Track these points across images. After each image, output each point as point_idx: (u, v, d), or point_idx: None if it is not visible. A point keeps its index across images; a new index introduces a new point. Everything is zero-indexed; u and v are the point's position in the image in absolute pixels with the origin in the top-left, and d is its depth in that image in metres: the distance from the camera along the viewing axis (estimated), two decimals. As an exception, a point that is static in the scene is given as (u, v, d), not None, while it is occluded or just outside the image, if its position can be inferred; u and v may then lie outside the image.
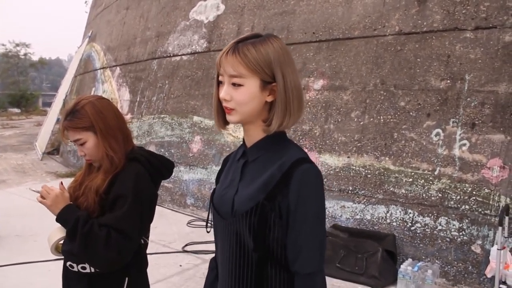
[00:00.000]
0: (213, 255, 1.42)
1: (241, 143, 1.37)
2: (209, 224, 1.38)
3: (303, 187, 1.16)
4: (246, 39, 1.20)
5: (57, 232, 1.71)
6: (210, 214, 1.35)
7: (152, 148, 6.86)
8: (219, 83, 1.23)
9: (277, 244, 1.19)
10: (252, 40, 1.19)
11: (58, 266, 1.79)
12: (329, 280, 3.95)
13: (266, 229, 1.18)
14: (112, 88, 9.47)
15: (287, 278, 1.21)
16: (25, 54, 45.31)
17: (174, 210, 6.32)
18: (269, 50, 1.18)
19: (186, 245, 4.74)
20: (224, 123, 1.28)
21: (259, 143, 1.26)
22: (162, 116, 7.28)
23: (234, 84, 1.18)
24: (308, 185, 1.17)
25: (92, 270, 1.68)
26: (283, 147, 1.25)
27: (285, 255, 1.20)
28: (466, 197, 3.84)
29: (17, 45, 44.22)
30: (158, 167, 1.80)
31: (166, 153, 6.73)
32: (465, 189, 3.86)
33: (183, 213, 6.16)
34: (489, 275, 3.49)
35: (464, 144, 3.95)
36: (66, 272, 1.77)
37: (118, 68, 9.45)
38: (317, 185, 1.19)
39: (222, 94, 1.19)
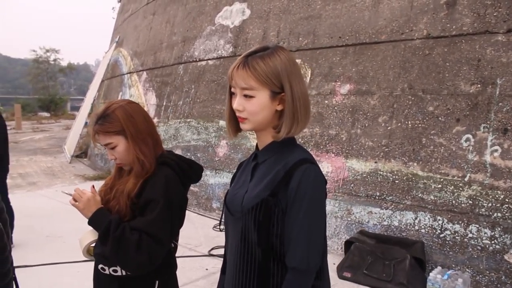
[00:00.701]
0: None
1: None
2: (222, 224, 1.49)
3: (301, 184, 1.24)
4: (255, 52, 1.29)
5: (89, 235, 1.73)
6: (223, 213, 1.45)
7: (178, 152, 6.91)
8: (232, 93, 1.33)
9: (280, 242, 1.27)
10: (261, 54, 1.28)
11: (86, 268, 1.83)
12: (356, 287, 3.90)
13: (270, 225, 1.26)
14: (139, 93, 9.61)
15: None
16: (54, 60, 46.54)
17: (200, 214, 6.36)
18: (277, 62, 1.26)
19: (212, 249, 4.76)
20: (236, 131, 1.39)
21: (268, 146, 1.35)
22: (188, 120, 7.34)
23: (245, 96, 1.27)
24: (306, 183, 1.24)
25: (123, 273, 1.69)
26: (290, 150, 1.33)
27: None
28: (498, 205, 3.74)
29: (47, 51, 45.43)
30: (188, 171, 1.81)
31: (192, 157, 6.78)
32: (497, 196, 3.76)
33: (209, 217, 6.19)
34: (522, 285, 3.39)
35: (496, 150, 3.85)
36: (98, 275, 1.79)
37: (144, 72, 9.59)
38: (315, 184, 1.25)
39: (235, 105, 1.29)
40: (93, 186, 1.80)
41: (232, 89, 1.32)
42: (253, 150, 1.47)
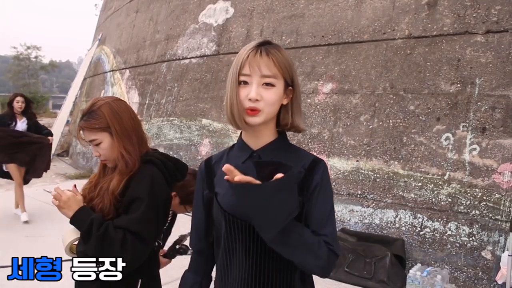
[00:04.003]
0: None
1: (231, 145, 1.39)
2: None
3: (324, 180, 1.24)
4: (265, 43, 1.22)
5: (72, 233, 1.72)
6: (226, 220, 1.26)
7: (160, 151, 6.88)
8: (239, 83, 1.21)
9: None
10: (273, 45, 1.22)
11: (67, 267, 1.81)
12: (338, 284, 3.93)
13: (299, 221, 1.21)
14: (121, 91, 9.52)
15: None
16: (36, 57, 45.68)
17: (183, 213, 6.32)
18: (287, 55, 1.23)
19: (194, 247, 4.74)
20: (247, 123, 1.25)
21: (273, 144, 1.28)
22: (171, 118, 7.30)
23: (265, 84, 1.19)
24: (327, 179, 1.26)
25: (106, 271, 1.68)
26: (294, 149, 1.31)
27: None
28: (477, 202, 3.81)
29: (28, 48, 44.62)
30: (173, 170, 1.81)
31: (175, 155, 6.75)
32: (475, 194, 3.83)
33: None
34: (499, 282, 3.46)
35: (475, 149, 3.92)
36: (79, 273, 1.77)
37: (127, 70, 9.51)
38: (330, 181, 1.29)
39: (253, 94, 1.17)
40: (75, 185, 1.78)
41: (244, 78, 1.19)
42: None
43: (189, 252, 2.23)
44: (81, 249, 1.69)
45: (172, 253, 2.36)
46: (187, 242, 2.35)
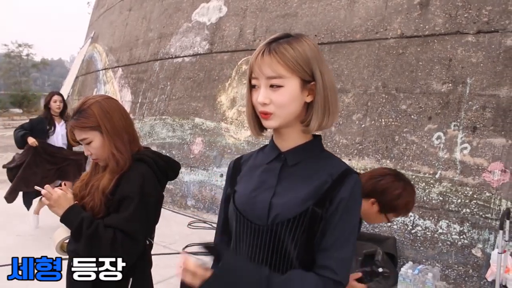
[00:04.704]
0: None
1: (262, 145, 1.32)
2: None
3: (352, 197, 1.13)
4: (278, 38, 1.15)
5: (62, 231, 1.72)
6: (237, 218, 1.23)
7: (153, 149, 6.86)
8: (252, 87, 1.17)
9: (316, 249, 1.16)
10: (286, 39, 1.14)
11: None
12: (330, 283, 3.94)
13: (314, 237, 1.13)
14: (114, 89, 9.48)
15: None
16: (27, 55, 45.27)
17: (175, 212, 6.32)
18: (305, 48, 1.13)
19: (187, 246, 4.74)
20: (261, 129, 1.22)
21: (302, 147, 1.20)
22: (164, 117, 7.29)
23: (272, 86, 1.12)
24: (356, 197, 1.15)
25: (97, 270, 1.68)
26: (326, 155, 1.22)
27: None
28: (467, 201, 3.84)
29: (20, 45, 44.21)
30: (164, 168, 1.80)
31: (168, 154, 6.72)
32: (466, 192, 3.86)
33: (184, 215, 6.16)
34: (489, 279, 3.49)
35: (465, 148, 3.95)
36: (71, 272, 1.77)
37: (120, 69, 9.47)
38: (360, 199, 1.18)
39: (260, 98, 1.12)
40: (65, 184, 1.77)
41: (254, 81, 1.15)
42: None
43: (381, 271, 1.98)
44: (71, 248, 1.68)
45: (371, 277, 1.98)
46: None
